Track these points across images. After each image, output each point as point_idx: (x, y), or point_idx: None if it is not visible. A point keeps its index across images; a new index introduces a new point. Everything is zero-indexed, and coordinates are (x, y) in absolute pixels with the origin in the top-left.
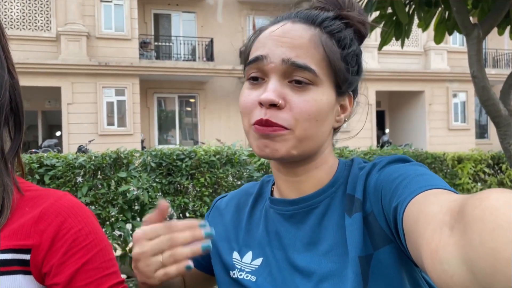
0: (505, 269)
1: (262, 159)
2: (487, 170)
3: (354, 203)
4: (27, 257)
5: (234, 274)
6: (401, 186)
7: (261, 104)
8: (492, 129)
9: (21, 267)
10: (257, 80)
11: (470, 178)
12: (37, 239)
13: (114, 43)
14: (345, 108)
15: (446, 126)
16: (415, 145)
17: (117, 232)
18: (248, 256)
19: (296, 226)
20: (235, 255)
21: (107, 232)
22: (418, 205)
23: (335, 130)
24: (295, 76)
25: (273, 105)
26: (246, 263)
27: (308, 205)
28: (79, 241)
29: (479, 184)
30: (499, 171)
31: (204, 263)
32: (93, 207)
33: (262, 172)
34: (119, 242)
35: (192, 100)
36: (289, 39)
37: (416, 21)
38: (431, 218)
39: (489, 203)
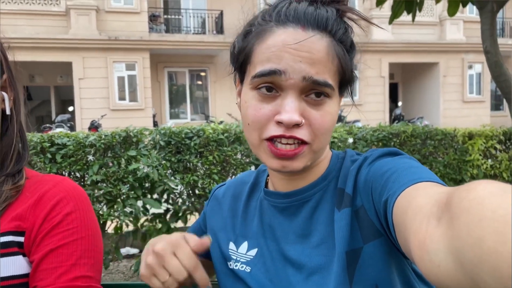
0: (490, 259)
1: None
2: (498, 146)
3: (344, 198)
4: (22, 239)
5: (230, 265)
6: (391, 179)
7: (280, 123)
8: None
9: (20, 249)
10: (270, 92)
11: (480, 155)
12: (31, 222)
13: (123, 17)
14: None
15: (460, 99)
16: (429, 118)
17: (128, 209)
18: (244, 246)
19: (289, 219)
20: (231, 245)
21: (119, 209)
22: (407, 198)
23: None
24: (314, 91)
25: (295, 125)
26: (241, 254)
27: (301, 198)
28: (64, 224)
29: (489, 160)
30: (510, 146)
31: (206, 250)
32: (104, 185)
33: None
34: (131, 219)
35: (202, 74)
36: (308, 53)
37: None
38: (419, 209)
39: (476, 194)
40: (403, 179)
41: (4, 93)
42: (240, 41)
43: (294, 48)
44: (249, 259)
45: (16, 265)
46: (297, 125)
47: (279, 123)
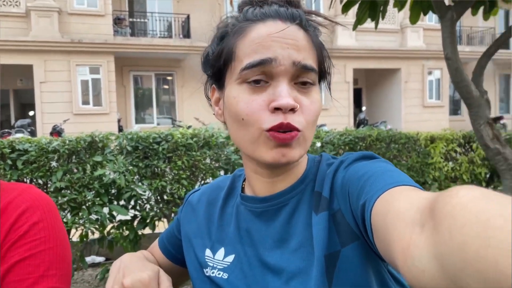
0: (474, 263)
1: None
2: (458, 149)
3: (321, 201)
4: None
5: (207, 272)
6: (368, 183)
7: (275, 109)
8: (465, 105)
9: None
10: (259, 84)
11: (442, 157)
12: None
13: (86, 19)
14: None
15: (421, 103)
16: (391, 123)
17: (94, 216)
18: (221, 252)
19: (266, 224)
20: (208, 252)
21: (84, 216)
22: (386, 202)
23: None
24: (303, 78)
25: (290, 110)
26: (218, 260)
27: (278, 202)
28: (30, 234)
29: (450, 163)
30: (469, 150)
31: (180, 256)
32: (68, 192)
33: (239, 155)
34: (97, 226)
35: (169, 78)
36: (293, 40)
37: (392, 0)
38: (401, 215)
39: (459, 200)
40: (380, 182)
41: None
42: (215, 46)
43: (279, 36)
44: (226, 265)
45: None
46: (292, 111)
47: (275, 110)
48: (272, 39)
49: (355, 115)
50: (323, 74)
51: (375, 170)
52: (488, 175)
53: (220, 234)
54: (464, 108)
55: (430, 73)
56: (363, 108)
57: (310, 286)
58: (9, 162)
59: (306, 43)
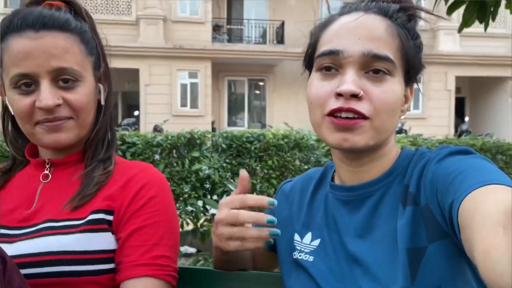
0: None
1: None
2: None
3: (408, 196)
4: (111, 218)
5: (295, 255)
6: (457, 180)
7: (339, 95)
8: None
9: (109, 227)
10: (330, 71)
11: None
12: (120, 202)
13: (188, 27)
14: (407, 98)
15: None
16: (498, 135)
17: (189, 208)
18: (308, 237)
19: (351, 213)
20: (296, 236)
21: (180, 207)
22: (474, 202)
23: None
24: (374, 66)
25: (353, 96)
26: (305, 244)
27: (364, 192)
28: (148, 206)
29: None
30: None
31: (271, 242)
32: (169, 184)
33: (330, 157)
34: (191, 217)
35: (261, 84)
36: (366, 30)
37: (503, 1)
38: (487, 216)
39: None
40: (469, 180)
41: (100, 85)
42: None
43: (353, 27)
44: (312, 249)
45: (105, 241)
46: (356, 98)
47: (338, 95)
48: (346, 28)
49: (456, 126)
50: (412, 68)
51: (466, 166)
52: None
53: (309, 220)
54: None
55: None
56: (466, 119)
57: (389, 277)
58: (120, 153)
59: (383, 31)
